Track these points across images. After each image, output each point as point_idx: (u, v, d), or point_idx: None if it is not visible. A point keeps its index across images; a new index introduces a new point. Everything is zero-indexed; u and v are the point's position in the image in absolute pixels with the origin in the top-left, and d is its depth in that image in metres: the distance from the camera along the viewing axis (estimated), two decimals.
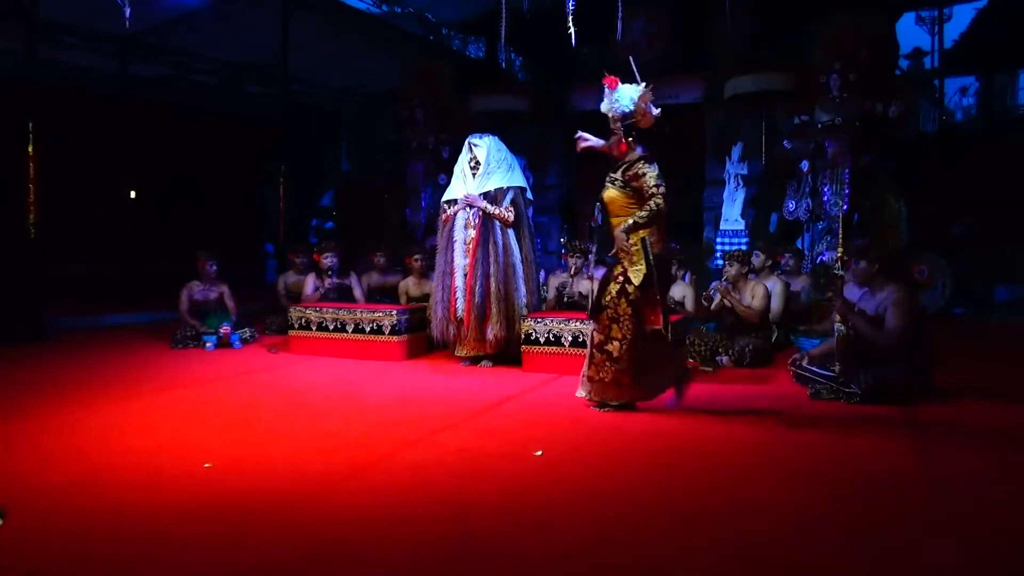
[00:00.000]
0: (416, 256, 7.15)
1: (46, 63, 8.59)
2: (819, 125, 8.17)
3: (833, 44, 8.15)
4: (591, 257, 7.83)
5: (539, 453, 3.38)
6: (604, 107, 4.25)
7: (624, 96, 4.17)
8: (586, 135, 4.46)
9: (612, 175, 4.25)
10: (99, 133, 10.89)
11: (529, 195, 6.08)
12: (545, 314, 5.77)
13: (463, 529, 2.52)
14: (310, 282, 7.24)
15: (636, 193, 4.14)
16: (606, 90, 4.21)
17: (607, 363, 4.18)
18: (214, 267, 7.02)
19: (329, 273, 7.16)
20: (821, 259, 8.02)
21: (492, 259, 5.64)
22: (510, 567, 2.24)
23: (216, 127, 12.38)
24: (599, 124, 4.60)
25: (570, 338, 5.43)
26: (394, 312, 6.21)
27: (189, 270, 7.06)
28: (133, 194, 12.04)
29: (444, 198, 6.00)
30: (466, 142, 5.92)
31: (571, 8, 5.39)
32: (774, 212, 9.29)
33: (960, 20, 14.68)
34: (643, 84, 4.18)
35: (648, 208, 4.03)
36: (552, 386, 5.03)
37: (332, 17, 11.56)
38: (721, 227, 9.65)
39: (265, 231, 13.53)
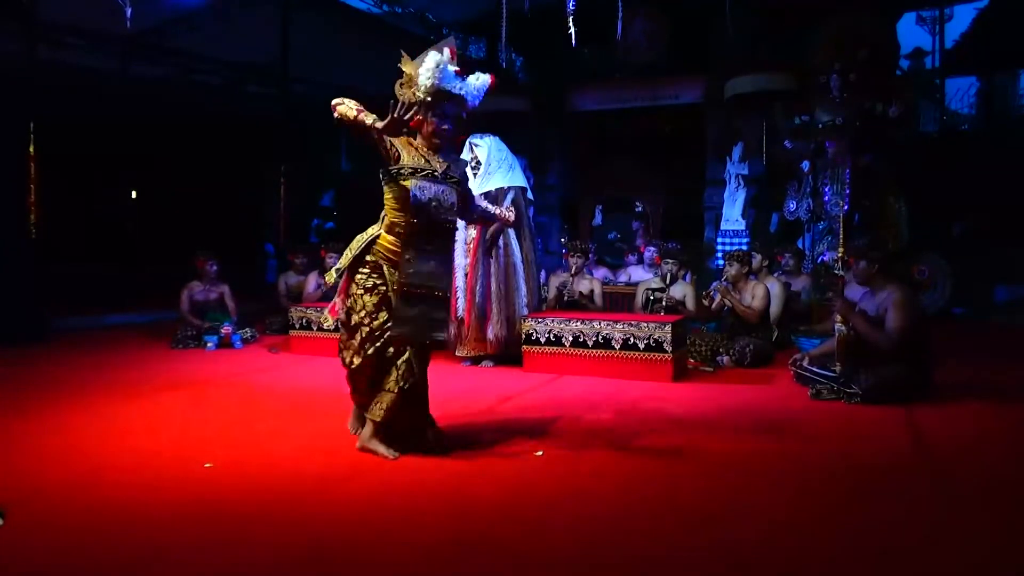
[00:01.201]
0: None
1: (46, 63, 8.58)
2: (820, 125, 8.17)
3: (833, 44, 8.15)
4: (592, 257, 7.85)
5: (539, 453, 3.38)
6: (469, 92, 3.41)
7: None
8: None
9: (445, 171, 3.41)
10: (100, 133, 10.90)
11: (530, 195, 6.08)
12: (546, 314, 5.77)
13: (463, 529, 2.51)
14: (312, 280, 7.25)
15: None
16: (482, 83, 3.45)
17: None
18: (214, 267, 7.03)
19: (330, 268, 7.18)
20: (822, 259, 8.03)
21: (493, 259, 5.64)
22: (510, 567, 2.24)
23: (216, 127, 12.39)
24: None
25: (571, 338, 5.43)
26: None
27: (189, 270, 7.07)
28: (134, 194, 12.06)
29: None
30: (467, 142, 5.92)
31: (571, 8, 5.40)
32: (775, 212, 9.30)
33: (961, 20, 14.69)
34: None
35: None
36: (552, 386, 5.03)
37: (332, 17, 11.57)
38: (722, 227, 9.66)
39: (265, 231, 13.53)
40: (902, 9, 12.54)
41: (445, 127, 3.42)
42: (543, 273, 7.04)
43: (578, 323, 5.43)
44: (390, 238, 3.35)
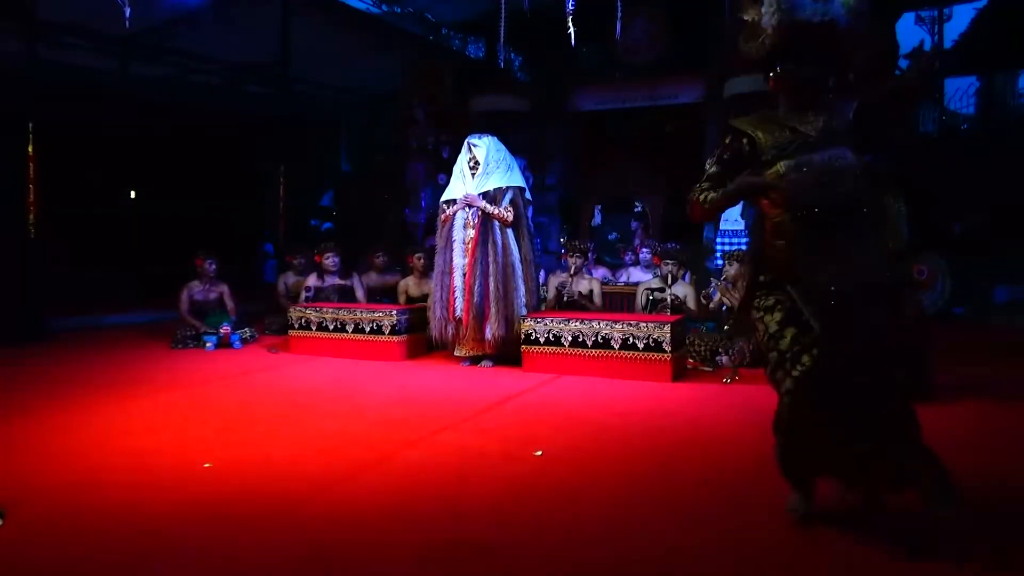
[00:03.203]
0: (419, 255, 7.17)
1: (46, 63, 8.59)
2: None
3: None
4: (591, 257, 7.85)
5: (539, 453, 3.38)
6: (839, 14, 2.39)
7: None
8: None
9: (825, 129, 2.49)
10: (99, 133, 10.90)
11: (528, 195, 6.08)
12: (545, 314, 5.77)
13: (462, 529, 2.52)
14: (309, 283, 7.24)
15: None
16: None
17: None
18: (213, 266, 7.03)
19: (332, 269, 7.19)
20: None
21: (491, 259, 5.64)
22: (510, 567, 2.24)
23: (216, 127, 12.39)
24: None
25: (570, 338, 5.43)
26: (394, 312, 6.21)
27: (189, 270, 7.07)
28: (133, 194, 12.06)
29: (443, 198, 6.01)
30: (465, 142, 5.93)
31: (571, 8, 5.40)
32: None
33: (960, 20, 14.68)
34: None
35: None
36: (552, 386, 5.03)
37: (332, 17, 11.56)
38: (721, 227, 9.65)
39: (265, 231, 13.53)
40: (901, 9, 12.54)
41: (807, 75, 2.47)
42: (542, 273, 7.04)
43: (577, 323, 5.43)
44: (779, 245, 2.44)
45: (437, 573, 2.22)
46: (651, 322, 5.29)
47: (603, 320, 5.40)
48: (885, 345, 2.33)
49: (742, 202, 9.42)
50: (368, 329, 6.19)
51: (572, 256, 6.59)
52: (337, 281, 7.23)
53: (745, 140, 2.53)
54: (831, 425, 2.36)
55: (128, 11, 5.34)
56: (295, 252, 7.91)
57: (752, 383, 5.13)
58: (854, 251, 2.35)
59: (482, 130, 6.25)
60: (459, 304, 5.67)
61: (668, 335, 5.12)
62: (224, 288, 7.10)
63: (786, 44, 2.43)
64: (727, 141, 2.59)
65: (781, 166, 2.40)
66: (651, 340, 5.16)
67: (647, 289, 6.60)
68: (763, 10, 2.43)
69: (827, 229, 2.36)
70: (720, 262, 7.75)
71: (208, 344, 6.55)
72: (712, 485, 2.97)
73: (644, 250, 8.32)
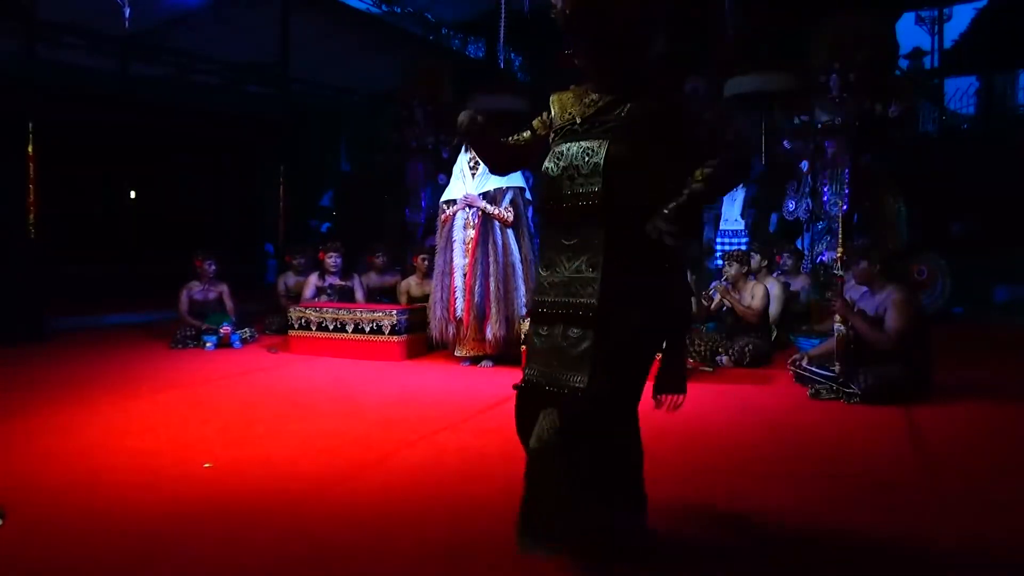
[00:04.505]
0: (423, 257, 7.17)
1: (46, 63, 8.59)
2: (819, 125, 8.17)
3: (833, 44, 8.15)
4: None
5: None
6: None
7: None
8: None
9: (593, 116, 2.20)
10: (99, 133, 10.90)
11: (528, 195, 6.09)
12: None
13: (462, 529, 2.52)
14: (311, 283, 7.24)
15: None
16: None
17: None
18: (212, 266, 7.02)
19: (333, 270, 7.19)
20: (821, 259, 8.02)
21: (491, 259, 5.65)
22: (509, 567, 2.24)
23: (216, 127, 12.39)
24: None
25: None
26: (394, 312, 6.21)
27: (189, 270, 7.07)
28: (133, 194, 12.06)
29: (443, 198, 6.01)
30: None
31: None
32: (774, 212, 9.29)
33: (960, 20, 14.72)
34: None
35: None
36: None
37: (332, 17, 11.58)
38: (721, 227, 9.65)
39: (265, 231, 13.54)
40: (902, 9, 12.56)
41: (578, 51, 2.15)
42: None
43: None
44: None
45: (437, 573, 2.22)
46: None
47: None
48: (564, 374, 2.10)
49: (742, 202, 9.50)
50: (368, 329, 6.19)
51: None
52: (337, 281, 7.23)
53: (547, 114, 2.34)
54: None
55: (128, 11, 5.35)
56: (295, 252, 7.90)
57: (752, 383, 5.13)
58: (568, 263, 2.16)
59: None
60: (459, 304, 5.67)
61: None
62: (224, 288, 7.09)
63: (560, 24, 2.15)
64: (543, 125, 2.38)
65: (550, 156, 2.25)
66: None
67: None
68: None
69: (563, 233, 2.18)
70: (720, 262, 7.76)
71: (208, 344, 6.55)
72: (711, 485, 2.97)
73: None
